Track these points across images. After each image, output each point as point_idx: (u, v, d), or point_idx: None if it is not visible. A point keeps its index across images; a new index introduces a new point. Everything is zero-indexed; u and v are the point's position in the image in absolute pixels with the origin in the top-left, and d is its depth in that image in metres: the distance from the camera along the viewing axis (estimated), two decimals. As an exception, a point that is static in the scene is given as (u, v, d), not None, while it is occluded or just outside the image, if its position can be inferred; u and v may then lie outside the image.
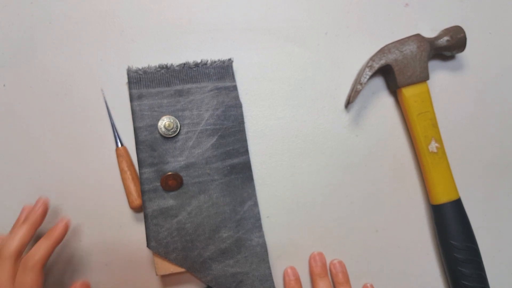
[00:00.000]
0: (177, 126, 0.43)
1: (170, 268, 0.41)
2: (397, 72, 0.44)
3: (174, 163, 0.42)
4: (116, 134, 0.44)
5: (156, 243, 0.41)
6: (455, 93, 0.48)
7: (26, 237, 0.36)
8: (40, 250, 0.36)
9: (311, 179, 0.46)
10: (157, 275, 0.41)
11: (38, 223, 0.38)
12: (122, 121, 0.45)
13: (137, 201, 0.42)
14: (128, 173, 0.43)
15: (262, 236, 0.43)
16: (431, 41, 0.45)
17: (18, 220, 0.39)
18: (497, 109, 0.48)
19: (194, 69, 0.45)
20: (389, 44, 0.45)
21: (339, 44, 0.48)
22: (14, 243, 0.35)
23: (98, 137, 0.44)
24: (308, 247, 0.45)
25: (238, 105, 0.45)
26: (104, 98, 0.45)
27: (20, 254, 0.36)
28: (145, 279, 0.43)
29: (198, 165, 0.43)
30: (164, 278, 0.43)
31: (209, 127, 0.43)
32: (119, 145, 0.44)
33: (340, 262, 0.44)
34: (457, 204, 0.43)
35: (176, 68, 0.44)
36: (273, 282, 0.42)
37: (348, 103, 0.46)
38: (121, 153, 0.43)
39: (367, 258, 0.45)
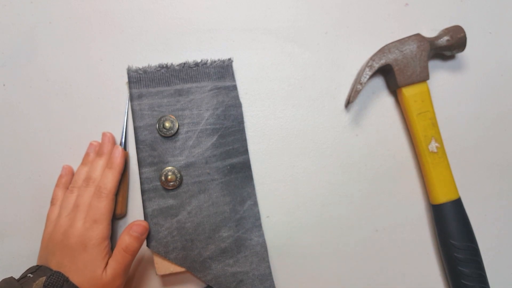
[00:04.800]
0: (177, 125, 0.43)
1: (170, 267, 0.41)
2: (397, 71, 0.44)
3: (174, 163, 0.42)
4: (124, 138, 0.44)
5: (156, 243, 0.41)
6: (455, 92, 0.48)
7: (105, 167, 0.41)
8: (109, 180, 0.40)
9: (311, 178, 0.46)
10: (157, 274, 0.41)
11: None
12: (122, 121, 0.45)
13: (118, 209, 0.42)
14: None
15: (262, 235, 0.43)
16: (431, 41, 0.45)
17: (87, 153, 0.43)
18: (497, 108, 0.48)
19: (194, 68, 0.45)
20: (389, 44, 0.45)
21: (339, 44, 0.48)
22: (99, 173, 0.41)
23: (98, 138, 0.44)
24: (308, 246, 0.45)
25: (238, 105, 0.45)
26: (127, 106, 0.44)
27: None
28: (145, 278, 0.43)
29: (198, 164, 0.43)
30: (164, 277, 0.43)
31: (209, 126, 0.43)
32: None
33: None
34: (457, 204, 0.43)
35: (176, 67, 0.44)
36: (273, 282, 0.42)
37: (348, 103, 0.46)
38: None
39: (367, 258, 0.45)
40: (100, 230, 0.38)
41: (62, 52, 0.46)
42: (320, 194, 0.46)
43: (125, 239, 0.38)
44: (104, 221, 0.38)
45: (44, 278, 0.34)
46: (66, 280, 0.34)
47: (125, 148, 0.44)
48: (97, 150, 0.43)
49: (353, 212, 0.46)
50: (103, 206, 0.38)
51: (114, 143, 0.43)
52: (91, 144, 0.43)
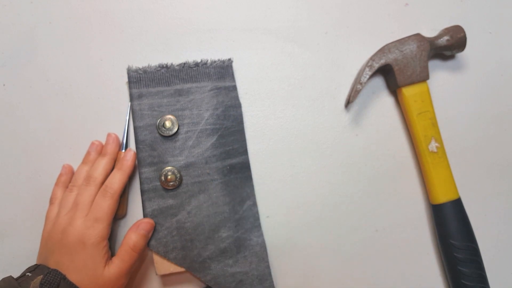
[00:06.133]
0: (177, 125, 0.43)
1: (170, 267, 0.41)
2: (397, 71, 0.44)
3: (174, 163, 0.42)
4: (126, 138, 0.44)
5: (156, 242, 0.41)
6: (455, 92, 0.48)
7: (109, 167, 0.41)
8: (117, 180, 0.40)
9: (311, 178, 0.46)
10: (157, 274, 0.41)
11: (116, 155, 0.43)
12: (122, 121, 0.45)
13: (119, 210, 0.42)
14: None
15: (261, 235, 0.43)
16: (431, 41, 0.45)
17: (88, 152, 0.43)
18: (497, 108, 0.48)
19: (194, 68, 0.45)
20: (389, 44, 0.45)
21: (339, 44, 0.48)
22: (100, 172, 0.40)
23: (98, 137, 0.44)
24: (308, 247, 0.45)
25: (238, 105, 0.45)
26: (129, 106, 0.44)
27: (103, 181, 0.40)
28: (145, 278, 0.43)
29: (198, 164, 0.43)
30: (164, 277, 0.43)
31: (209, 126, 0.43)
32: (123, 149, 0.44)
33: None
34: (457, 204, 0.43)
35: (176, 67, 0.44)
36: (272, 282, 0.42)
37: (348, 103, 0.46)
38: (120, 158, 0.43)
39: (367, 258, 0.45)
40: (100, 229, 0.37)
41: (62, 52, 0.46)
42: (320, 194, 0.46)
43: (132, 238, 0.38)
44: (105, 221, 0.38)
45: (41, 277, 0.34)
46: (63, 278, 0.34)
47: (126, 148, 0.44)
48: (98, 150, 0.43)
49: (353, 212, 0.46)
50: (107, 206, 0.38)
51: (118, 144, 0.43)
52: (92, 143, 0.43)
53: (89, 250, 0.36)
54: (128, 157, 0.42)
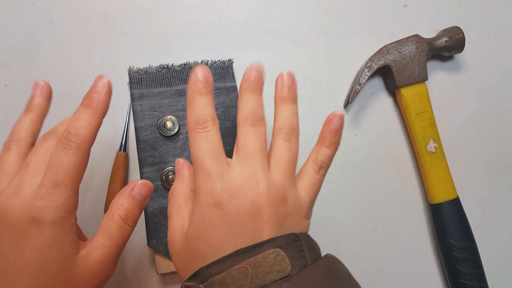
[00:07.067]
0: (177, 126, 0.43)
1: (171, 266, 0.41)
2: (396, 72, 0.44)
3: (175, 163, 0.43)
4: (124, 139, 0.44)
5: (157, 241, 0.41)
6: (454, 93, 0.49)
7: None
8: (84, 123, 0.26)
9: (310, 178, 0.46)
10: (157, 273, 0.41)
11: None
12: (123, 121, 0.45)
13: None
14: (115, 180, 0.42)
15: (262, 235, 0.43)
16: (429, 42, 0.45)
17: (32, 97, 0.31)
18: (495, 109, 0.49)
19: (194, 69, 0.45)
20: (388, 45, 0.45)
21: (339, 45, 0.48)
22: (78, 125, 0.26)
23: (99, 137, 0.44)
24: (308, 246, 0.45)
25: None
26: (129, 107, 0.44)
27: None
28: (145, 277, 0.43)
29: (199, 164, 0.43)
30: (165, 276, 0.44)
31: (210, 127, 0.44)
32: (121, 150, 0.44)
33: (290, 74, 0.32)
34: (456, 203, 0.44)
35: (177, 68, 0.45)
36: (273, 281, 0.42)
37: (347, 103, 0.46)
38: (119, 158, 0.43)
39: (366, 257, 0.45)
40: (63, 198, 0.24)
41: (63, 53, 0.46)
42: (320, 194, 0.46)
43: (123, 204, 0.27)
44: (70, 186, 0.25)
45: None
46: None
47: (125, 149, 0.44)
48: (45, 93, 0.30)
49: (352, 211, 0.46)
50: (71, 162, 0.25)
51: (109, 91, 0.28)
52: (36, 84, 0.30)
53: (48, 231, 0.24)
54: (100, 88, 0.27)
